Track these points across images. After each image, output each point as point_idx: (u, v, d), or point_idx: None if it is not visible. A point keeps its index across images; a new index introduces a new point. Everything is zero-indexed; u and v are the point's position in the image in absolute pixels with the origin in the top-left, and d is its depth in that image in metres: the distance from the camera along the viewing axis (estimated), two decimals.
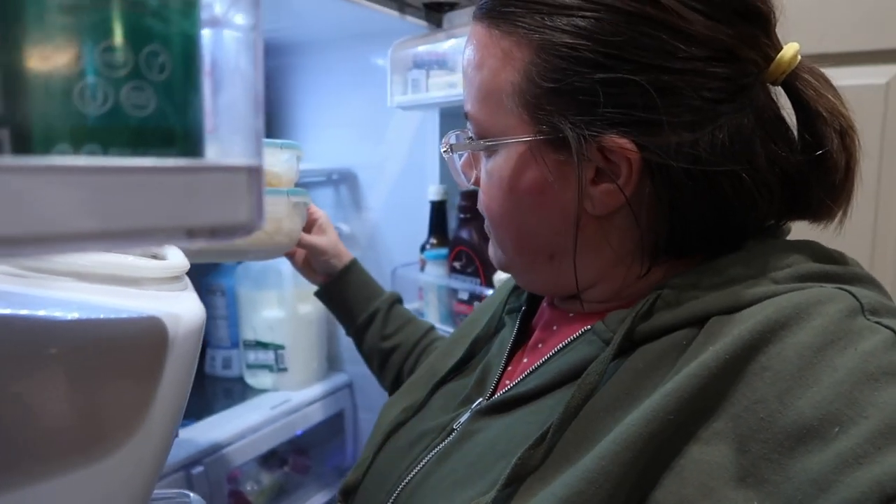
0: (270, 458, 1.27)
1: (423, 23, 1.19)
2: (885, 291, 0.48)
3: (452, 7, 1.21)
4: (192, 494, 0.52)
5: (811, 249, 0.49)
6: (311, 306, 1.33)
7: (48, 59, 0.21)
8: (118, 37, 0.22)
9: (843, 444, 0.35)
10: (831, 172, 0.49)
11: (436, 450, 0.56)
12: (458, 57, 1.11)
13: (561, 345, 0.53)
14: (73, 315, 0.31)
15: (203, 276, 1.40)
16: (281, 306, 1.30)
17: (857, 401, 0.36)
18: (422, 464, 0.56)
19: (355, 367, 1.42)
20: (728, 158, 0.46)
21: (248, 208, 0.24)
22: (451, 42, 1.10)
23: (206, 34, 0.25)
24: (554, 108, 0.47)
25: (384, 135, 1.32)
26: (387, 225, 1.33)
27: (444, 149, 0.58)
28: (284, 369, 1.30)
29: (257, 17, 0.25)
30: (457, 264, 1.07)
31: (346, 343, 1.42)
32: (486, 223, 0.56)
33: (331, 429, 1.37)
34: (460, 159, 0.59)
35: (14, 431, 0.29)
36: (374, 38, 1.23)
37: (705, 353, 0.42)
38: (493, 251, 0.58)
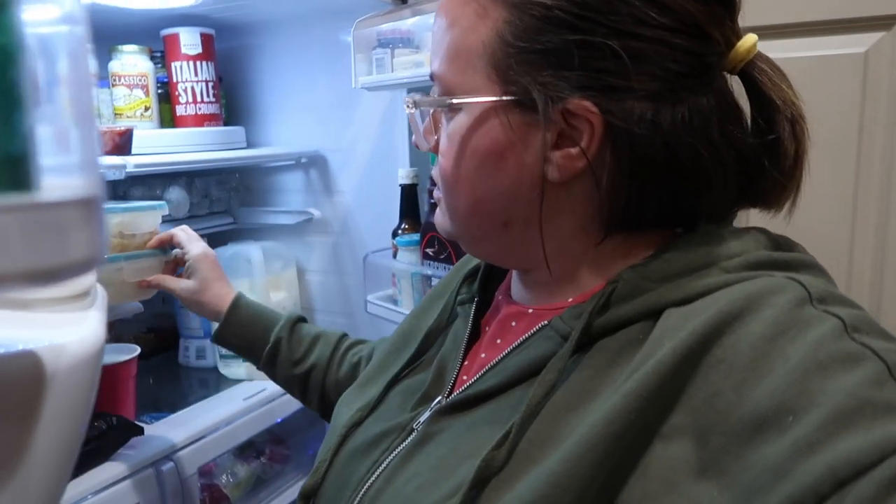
0: (247, 450, 1.25)
1: None
2: (829, 276, 0.49)
3: None
4: None
5: (759, 236, 0.50)
6: (283, 293, 1.30)
7: None
8: None
9: (798, 432, 0.36)
10: (782, 159, 0.50)
11: (396, 451, 0.55)
12: (424, 34, 1.06)
13: (519, 340, 0.53)
14: None
15: None
16: (252, 294, 1.26)
17: (808, 389, 0.37)
18: (383, 466, 0.55)
19: None
20: (687, 133, 0.47)
21: (81, 244, 0.21)
22: (416, 19, 1.05)
23: (30, 38, 0.21)
24: (523, 69, 0.47)
25: (353, 116, 1.28)
26: (359, 209, 1.30)
27: (408, 105, 0.56)
28: None
29: (82, 12, 0.22)
30: (429, 251, 1.04)
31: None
32: (438, 189, 0.55)
33: (310, 416, 1.35)
34: (422, 122, 0.57)
35: None
36: (340, 14, 1.18)
37: (662, 349, 0.42)
38: (441, 219, 0.57)
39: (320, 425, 1.37)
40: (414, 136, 0.58)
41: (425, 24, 1.03)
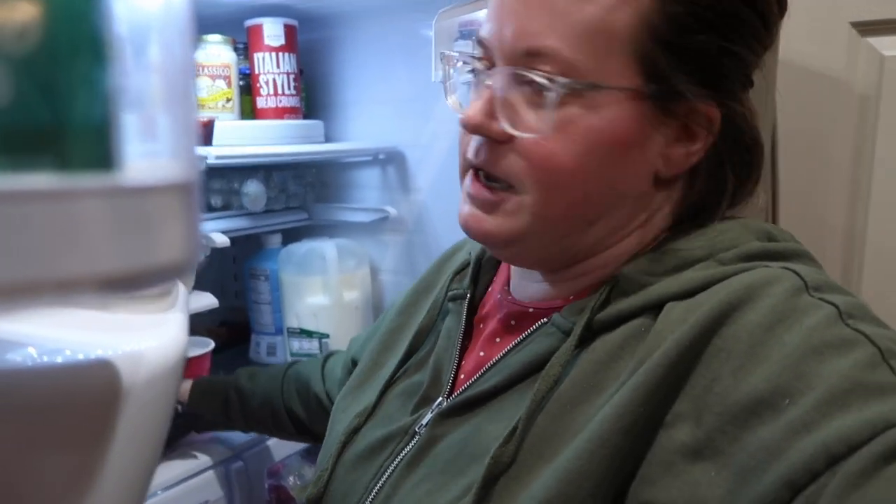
0: (314, 452, 1.22)
1: None
2: (820, 265, 0.50)
3: None
4: None
5: (750, 226, 0.51)
6: (356, 293, 1.27)
7: None
8: None
9: (793, 413, 0.37)
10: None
11: (400, 455, 0.55)
12: None
13: (519, 338, 0.53)
14: None
15: (246, 260, 1.36)
16: (325, 292, 1.24)
17: (804, 373, 0.39)
18: (388, 471, 0.54)
19: None
20: (754, 138, 0.51)
21: (172, 243, 0.16)
22: None
23: None
24: (667, 62, 0.46)
25: (433, 111, 1.23)
26: (435, 208, 1.25)
27: (510, 82, 0.48)
28: None
29: None
30: None
31: None
32: (523, 181, 0.49)
33: None
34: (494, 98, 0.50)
35: None
36: (423, 5, 1.14)
37: (666, 342, 0.43)
38: (506, 221, 0.50)
39: None
40: (475, 114, 0.49)
41: None
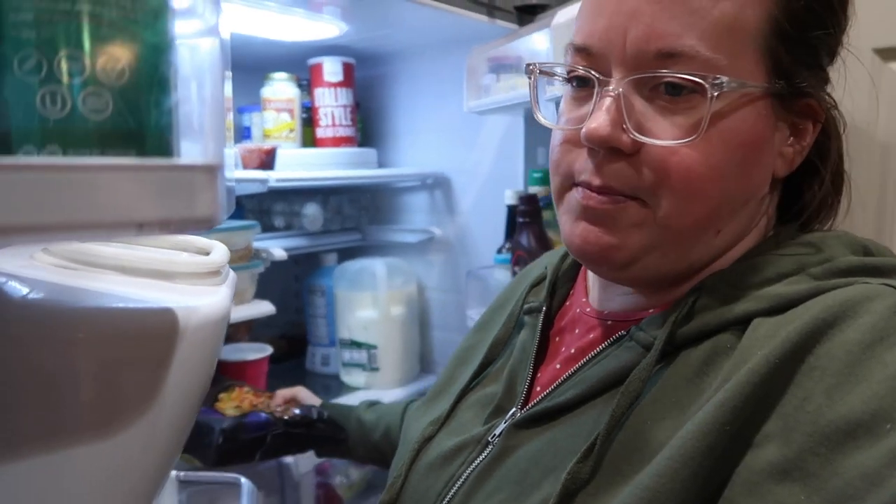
0: None
1: (514, 26, 1.18)
2: None
3: (544, 9, 1.19)
4: (243, 479, 0.55)
5: (845, 240, 0.49)
6: (403, 308, 1.36)
7: (20, 67, 0.23)
8: (78, 47, 0.24)
9: (895, 440, 0.35)
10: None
11: (473, 465, 0.54)
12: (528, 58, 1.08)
13: (595, 351, 0.52)
14: (95, 304, 0.35)
15: (305, 278, 1.47)
16: (375, 307, 1.34)
17: None
18: (461, 480, 0.54)
19: None
20: (839, 136, 0.51)
21: (205, 204, 0.25)
22: (523, 44, 1.07)
23: (178, 43, 0.26)
24: (791, 59, 0.45)
25: (476, 139, 1.33)
26: (477, 229, 1.34)
27: (631, 89, 0.46)
28: (377, 369, 1.34)
29: (218, 25, 0.27)
30: (517, 269, 1.06)
31: (438, 346, 1.45)
32: (654, 193, 0.45)
33: None
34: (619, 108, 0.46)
35: (37, 406, 0.33)
36: (469, 41, 1.24)
37: (755, 358, 0.41)
38: (634, 233, 0.47)
39: None
40: (600, 125, 0.45)
41: (532, 48, 1.04)
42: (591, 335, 0.54)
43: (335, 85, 1.33)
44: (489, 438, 0.55)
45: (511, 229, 1.16)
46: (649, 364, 0.45)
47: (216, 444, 0.75)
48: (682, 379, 0.45)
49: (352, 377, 1.37)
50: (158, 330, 0.35)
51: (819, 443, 0.37)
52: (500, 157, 1.29)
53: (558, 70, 0.51)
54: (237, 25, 1.08)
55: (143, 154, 0.25)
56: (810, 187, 0.51)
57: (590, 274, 0.60)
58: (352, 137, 1.37)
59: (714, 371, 0.44)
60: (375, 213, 1.51)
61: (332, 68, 1.33)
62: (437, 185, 1.40)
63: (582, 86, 0.49)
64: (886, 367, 0.38)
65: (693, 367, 0.45)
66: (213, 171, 0.25)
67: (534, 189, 1.11)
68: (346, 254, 1.46)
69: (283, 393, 0.92)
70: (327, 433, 0.84)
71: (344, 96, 1.34)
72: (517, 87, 0.98)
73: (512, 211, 1.16)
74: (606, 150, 0.46)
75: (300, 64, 1.34)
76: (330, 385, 1.40)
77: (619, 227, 0.47)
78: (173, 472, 0.62)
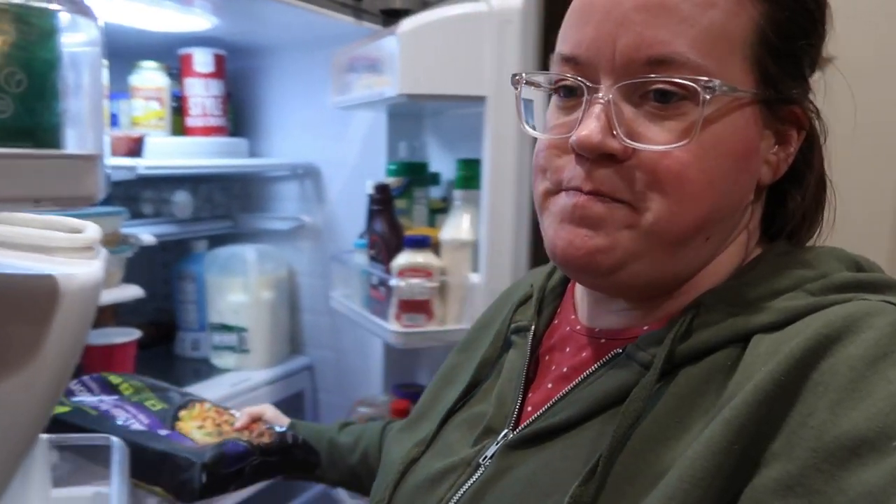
0: None
1: (380, 28, 1.27)
2: None
3: (407, 13, 1.29)
4: (114, 439, 0.60)
5: (838, 255, 0.49)
6: (273, 292, 1.42)
7: None
8: None
9: None
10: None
11: (464, 488, 0.52)
12: (386, 59, 1.14)
13: (590, 370, 0.51)
14: None
15: (174, 264, 1.50)
16: (245, 292, 1.39)
17: None
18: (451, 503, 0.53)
19: (316, 350, 1.51)
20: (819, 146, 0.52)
21: (87, 185, 0.33)
22: (378, 45, 1.12)
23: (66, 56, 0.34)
24: (778, 67, 0.46)
25: (345, 133, 1.41)
26: (345, 217, 1.42)
27: (622, 96, 0.46)
28: (247, 350, 1.40)
29: (98, 40, 0.34)
30: (372, 252, 1.16)
31: (308, 327, 1.52)
32: (646, 197, 0.46)
33: (290, 408, 1.45)
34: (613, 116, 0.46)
35: None
36: (339, 41, 1.32)
37: (759, 375, 0.41)
38: (622, 236, 0.47)
39: (298, 416, 1.48)
40: (591, 132, 0.45)
41: (384, 47, 1.10)
42: (584, 354, 0.53)
43: (206, 76, 1.36)
44: (480, 460, 0.53)
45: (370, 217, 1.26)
46: (650, 383, 0.45)
47: (200, 483, 0.71)
48: (684, 397, 0.44)
49: (222, 359, 1.42)
50: (42, 291, 0.42)
51: (823, 459, 0.37)
52: (366, 150, 1.38)
53: (542, 80, 0.52)
54: (107, 14, 1.09)
55: (38, 146, 0.32)
56: (794, 197, 0.51)
57: (578, 290, 0.59)
58: (223, 127, 1.40)
59: (716, 388, 0.44)
60: (247, 201, 1.56)
61: (202, 59, 1.36)
62: (308, 175, 1.47)
63: (569, 95, 0.49)
64: (890, 383, 0.38)
65: (694, 385, 0.45)
66: (93, 159, 0.33)
67: (389, 180, 1.21)
68: (218, 241, 1.49)
69: (250, 412, 0.86)
70: (301, 457, 0.82)
71: (215, 87, 1.38)
72: (373, 87, 1.07)
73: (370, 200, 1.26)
74: (596, 156, 0.46)
75: (170, 53, 1.36)
76: (200, 369, 1.43)
77: (608, 229, 0.46)
78: (44, 436, 0.66)
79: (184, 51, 1.36)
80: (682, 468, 0.40)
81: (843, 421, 0.37)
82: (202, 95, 1.37)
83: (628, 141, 0.45)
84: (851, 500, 0.35)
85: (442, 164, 1.32)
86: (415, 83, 0.98)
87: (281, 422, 0.87)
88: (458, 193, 1.10)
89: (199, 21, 1.22)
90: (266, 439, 0.79)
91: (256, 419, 0.86)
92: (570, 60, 0.48)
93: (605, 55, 0.46)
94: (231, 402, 1.27)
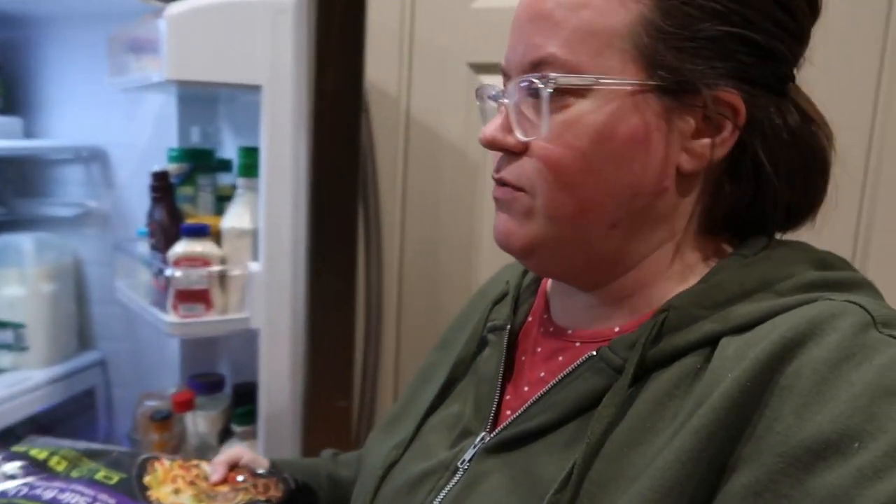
0: (5, 438, 1.25)
1: (164, 5, 1.21)
2: (880, 295, 0.49)
3: None
4: None
5: (806, 254, 0.50)
6: (55, 284, 1.32)
7: None
8: None
9: (863, 459, 0.36)
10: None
11: (443, 492, 0.53)
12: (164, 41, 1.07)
13: (564, 372, 0.52)
14: None
15: None
16: (22, 284, 1.28)
17: (875, 415, 0.37)
18: None
19: (109, 343, 1.43)
20: (800, 133, 0.50)
21: None
22: (153, 26, 1.07)
23: None
24: (673, 54, 0.46)
25: (135, 114, 1.34)
26: (134, 201, 1.35)
27: (519, 93, 0.50)
28: (25, 348, 1.29)
29: None
30: (152, 241, 1.13)
31: (99, 320, 1.44)
32: (535, 185, 0.49)
33: (80, 405, 1.37)
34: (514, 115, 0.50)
35: None
36: (125, 17, 1.23)
37: (725, 381, 0.42)
38: (519, 225, 0.51)
39: (89, 413, 1.40)
40: (489, 130, 0.51)
41: (162, 33, 1.06)
42: (560, 357, 0.55)
43: None
44: (458, 464, 0.54)
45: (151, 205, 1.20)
46: (621, 388, 0.46)
47: None
48: (654, 403, 0.45)
49: None
50: None
51: (790, 464, 0.37)
52: (157, 133, 1.32)
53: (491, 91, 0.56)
54: None
55: None
56: (760, 188, 0.51)
57: (549, 286, 0.61)
58: None
59: (684, 393, 0.44)
60: (23, 186, 1.42)
61: None
62: (94, 158, 1.38)
63: (494, 100, 0.54)
64: (853, 385, 0.38)
65: (664, 390, 0.45)
66: None
67: (170, 167, 1.16)
68: None
69: (225, 460, 0.74)
70: (302, 502, 0.73)
71: None
72: (147, 69, 1.02)
73: None
74: (504, 151, 0.51)
75: None
76: None
77: (514, 216, 0.51)
78: None
79: None
80: (652, 478, 0.41)
81: (807, 425, 0.38)
82: None
83: (520, 136, 0.50)
84: (817, 502, 0.36)
85: (234, 150, 1.29)
86: (183, 68, 0.94)
87: (260, 463, 0.76)
88: (240, 181, 1.08)
89: None
90: (276, 493, 0.69)
91: (233, 465, 0.74)
92: (502, 72, 0.53)
93: (511, 64, 0.51)
94: (7, 405, 1.18)
